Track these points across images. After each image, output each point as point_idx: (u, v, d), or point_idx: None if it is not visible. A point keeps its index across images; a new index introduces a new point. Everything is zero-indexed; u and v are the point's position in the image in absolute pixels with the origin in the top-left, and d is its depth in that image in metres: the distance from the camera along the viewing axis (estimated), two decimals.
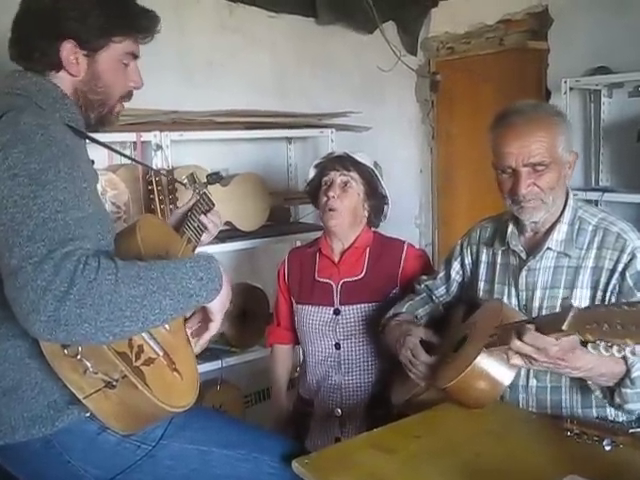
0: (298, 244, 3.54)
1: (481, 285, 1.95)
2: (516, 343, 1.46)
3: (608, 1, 3.21)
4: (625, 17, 3.13)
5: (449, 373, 1.69)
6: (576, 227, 1.76)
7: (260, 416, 3.19)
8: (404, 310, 2.09)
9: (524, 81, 3.73)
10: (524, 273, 1.80)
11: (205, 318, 1.49)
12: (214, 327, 1.50)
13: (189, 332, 1.52)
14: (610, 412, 1.73)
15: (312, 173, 2.40)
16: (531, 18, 3.63)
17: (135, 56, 1.52)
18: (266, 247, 3.34)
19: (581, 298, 1.72)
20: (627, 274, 1.67)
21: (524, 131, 1.70)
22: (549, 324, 1.42)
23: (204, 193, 1.92)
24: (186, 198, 2.76)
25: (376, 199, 2.33)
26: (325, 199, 2.27)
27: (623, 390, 1.59)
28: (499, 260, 1.90)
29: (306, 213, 3.57)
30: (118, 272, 1.19)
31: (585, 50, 3.28)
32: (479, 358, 1.60)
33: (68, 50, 1.42)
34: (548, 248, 1.77)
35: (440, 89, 4.20)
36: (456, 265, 2.06)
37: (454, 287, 2.09)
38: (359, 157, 2.29)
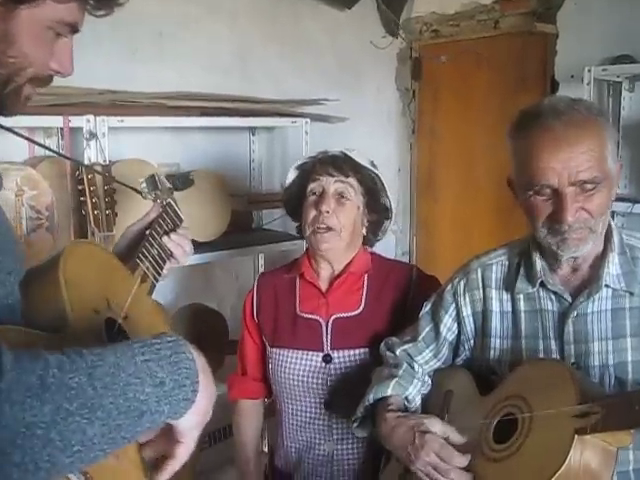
0: (262, 257, 3.00)
1: (494, 343, 1.46)
2: None
3: None
4: None
5: (514, 476, 1.21)
6: (628, 256, 1.36)
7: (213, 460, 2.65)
8: (390, 392, 1.50)
9: (524, 70, 3.25)
10: (571, 321, 1.35)
11: (168, 437, 0.90)
12: (183, 453, 0.90)
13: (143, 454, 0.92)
14: None
15: (292, 176, 1.83)
16: None
17: (74, 29, 0.96)
18: (225, 260, 2.79)
19: None
20: None
21: (568, 138, 1.26)
22: None
23: (169, 203, 1.39)
24: (131, 202, 2.21)
25: (377, 212, 1.79)
26: (314, 213, 1.71)
27: None
28: (522, 307, 1.43)
29: (272, 218, 3.01)
30: (3, 376, 0.65)
31: (603, 35, 2.83)
32: (573, 451, 1.14)
33: None
34: (606, 286, 1.33)
35: (423, 77, 3.69)
36: (447, 320, 1.52)
37: (445, 349, 1.55)
38: (357, 157, 1.75)
